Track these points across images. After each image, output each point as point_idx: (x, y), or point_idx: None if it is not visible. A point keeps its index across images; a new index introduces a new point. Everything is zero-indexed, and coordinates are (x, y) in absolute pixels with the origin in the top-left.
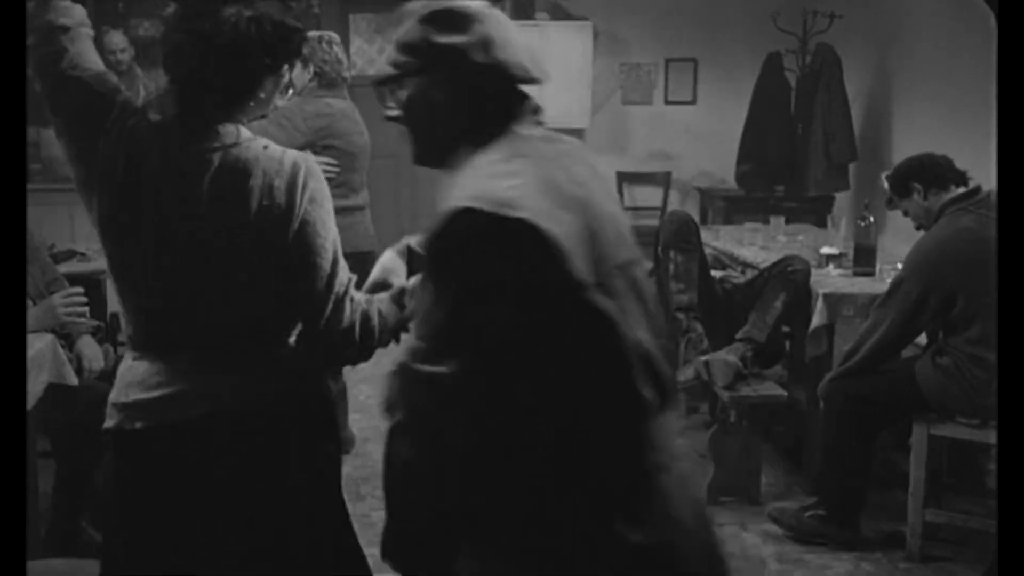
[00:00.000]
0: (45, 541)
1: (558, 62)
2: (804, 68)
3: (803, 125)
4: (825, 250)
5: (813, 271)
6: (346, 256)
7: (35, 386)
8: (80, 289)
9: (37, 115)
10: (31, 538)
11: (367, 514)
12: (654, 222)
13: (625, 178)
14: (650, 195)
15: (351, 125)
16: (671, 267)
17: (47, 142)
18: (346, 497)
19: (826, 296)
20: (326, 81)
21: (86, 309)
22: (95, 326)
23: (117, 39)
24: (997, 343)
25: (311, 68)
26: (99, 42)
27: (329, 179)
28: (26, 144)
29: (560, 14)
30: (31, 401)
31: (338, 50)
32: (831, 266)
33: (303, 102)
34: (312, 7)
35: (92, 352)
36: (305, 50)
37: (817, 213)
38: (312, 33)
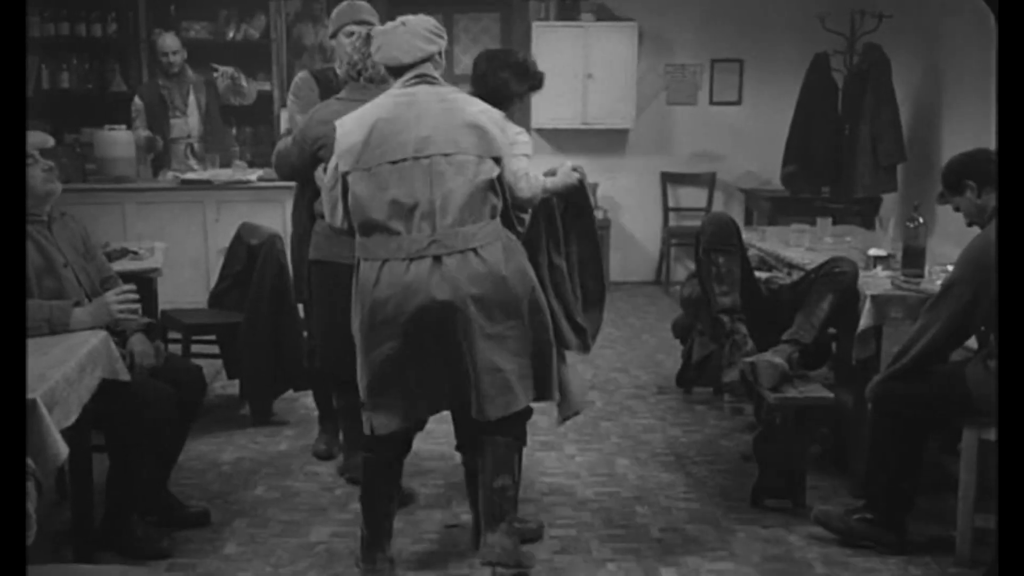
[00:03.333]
0: (99, 535)
1: (603, 63)
2: (851, 68)
3: (850, 126)
4: (873, 252)
5: (861, 273)
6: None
7: (90, 381)
8: (132, 287)
9: (92, 117)
10: (85, 532)
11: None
12: (699, 223)
13: (669, 179)
14: (695, 196)
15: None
16: (713, 269)
17: (101, 143)
18: None
19: (874, 298)
20: (354, 80)
21: (138, 306)
22: (146, 323)
23: (170, 41)
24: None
25: (344, 66)
26: (153, 44)
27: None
28: (26, 145)
29: (605, 15)
30: (86, 396)
31: (364, 48)
32: (879, 268)
33: (315, 111)
34: None
35: (144, 349)
36: (339, 48)
37: (864, 215)
38: (347, 28)
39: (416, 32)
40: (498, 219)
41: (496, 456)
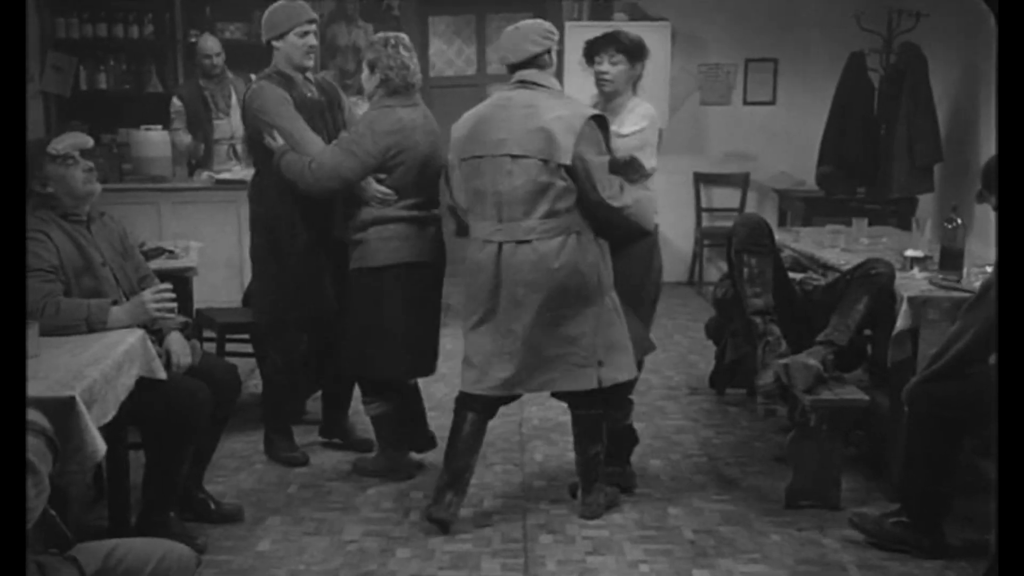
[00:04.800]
0: (135, 531)
1: None
2: (888, 68)
3: (886, 126)
4: (909, 253)
5: (897, 274)
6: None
7: (127, 379)
8: (169, 285)
9: (129, 118)
10: (122, 528)
11: None
12: (732, 224)
13: (702, 179)
14: (728, 196)
15: (422, 136)
16: (745, 271)
17: (137, 143)
18: None
19: (911, 299)
20: (391, 88)
21: (174, 305)
22: (183, 322)
23: (211, 43)
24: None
25: (377, 73)
26: (193, 46)
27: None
28: (26, 145)
29: (638, 15)
30: (123, 393)
31: (405, 54)
32: (916, 269)
33: (373, 122)
34: (392, 9)
35: (180, 348)
36: (371, 54)
37: (900, 215)
38: (378, 36)
39: (526, 35)
40: (565, 216)
41: (584, 428)
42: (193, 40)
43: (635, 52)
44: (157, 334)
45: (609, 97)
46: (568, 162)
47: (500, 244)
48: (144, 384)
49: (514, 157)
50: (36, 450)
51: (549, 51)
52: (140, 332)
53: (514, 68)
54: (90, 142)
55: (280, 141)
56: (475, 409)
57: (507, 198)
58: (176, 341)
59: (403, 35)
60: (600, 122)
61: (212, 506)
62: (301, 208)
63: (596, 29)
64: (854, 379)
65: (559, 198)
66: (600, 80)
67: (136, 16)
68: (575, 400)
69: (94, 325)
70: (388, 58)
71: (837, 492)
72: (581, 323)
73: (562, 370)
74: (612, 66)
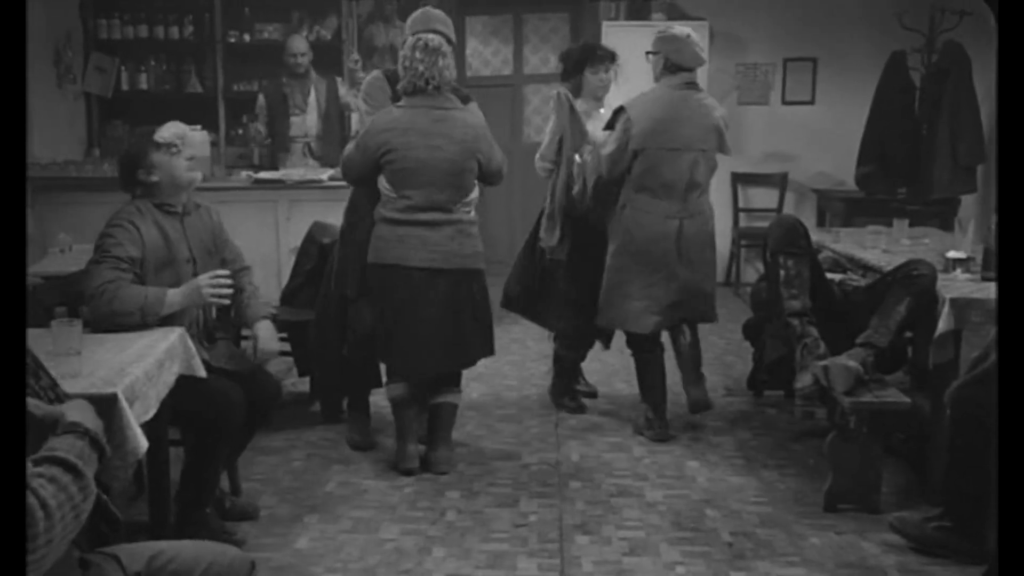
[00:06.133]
0: (174, 528)
1: None
2: (930, 67)
3: (928, 125)
4: (952, 254)
5: (939, 275)
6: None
7: (168, 376)
8: (226, 272)
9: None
10: (163, 524)
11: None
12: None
13: (740, 179)
14: (766, 197)
15: (418, 138)
16: (781, 273)
17: None
18: None
19: (953, 301)
20: (407, 87)
21: (230, 291)
22: (272, 312)
23: (299, 43)
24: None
25: (402, 73)
26: (232, 47)
27: (389, 197)
28: (26, 144)
29: (676, 14)
30: (164, 391)
31: (421, 56)
32: (958, 270)
33: (374, 120)
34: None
35: (268, 334)
36: (400, 54)
37: (942, 216)
38: (409, 35)
39: (698, 44)
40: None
41: (694, 334)
42: (231, 40)
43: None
44: (239, 326)
45: (601, 98)
46: (729, 153)
47: (681, 220)
48: (181, 382)
49: (703, 151)
50: (80, 453)
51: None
52: (180, 330)
53: (682, 70)
54: (194, 133)
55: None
56: (658, 344)
57: (692, 184)
58: (264, 328)
59: (433, 36)
60: None
61: (227, 504)
62: (371, 194)
63: (633, 29)
64: (895, 381)
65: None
66: (602, 86)
67: (176, 17)
68: (695, 316)
69: (148, 314)
70: (405, 59)
71: (877, 495)
72: (709, 269)
73: (707, 298)
74: (609, 75)
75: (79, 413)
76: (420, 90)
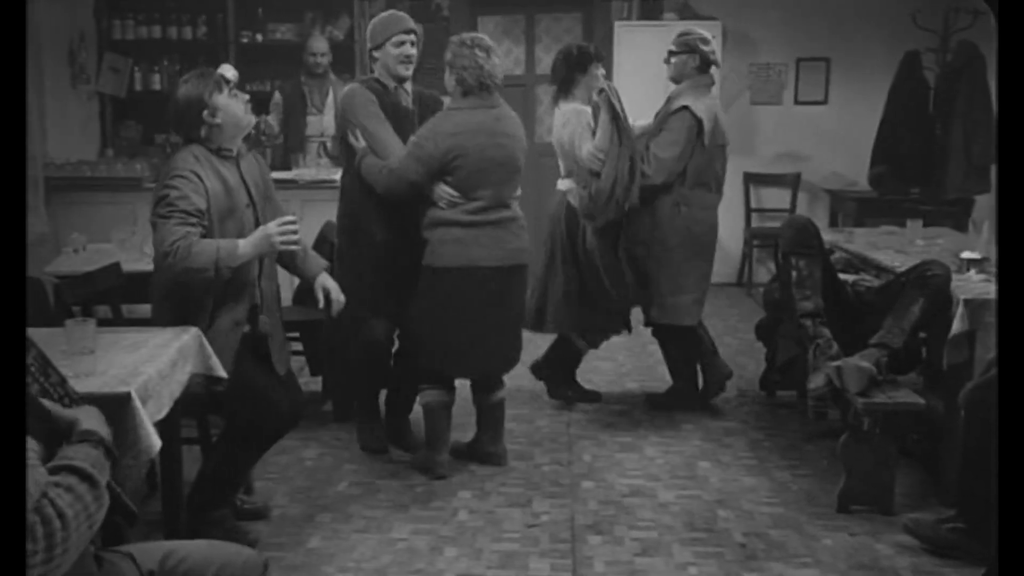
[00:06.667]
0: (187, 526)
1: None
2: (945, 67)
3: (942, 125)
4: (966, 254)
5: (953, 276)
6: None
7: (181, 376)
8: (293, 217)
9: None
10: (176, 523)
11: None
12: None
13: (752, 179)
14: (778, 197)
15: (486, 139)
16: (793, 274)
17: None
18: None
19: (967, 302)
20: (465, 88)
21: (299, 236)
22: (327, 265)
23: (319, 43)
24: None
25: (454, 73)
26: (245, 47)
27: (453, 200)
28: (26, 143)
29: (688, 14)
30: (177, 390)
31: (481, 55)
32: (972, 271)
33: (436, 125)
34: (441, 10)
35: (334, 284)
36: (448, 54)
37: (955, 216)
38: (459, 37)
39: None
40: None
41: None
42: (245, 40)
43: None
44: (304, 281)
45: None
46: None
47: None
48: (235, 382)
49: (722, 147)
50: (96, 461)
51: None
52: (194, 330)
53: (709, 69)
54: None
55: (362, 142)
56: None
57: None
58: (329, 278)
59: (483, 36)
60: None
61: (240, 503)
62: (381, 207)
63: (646, 29)
64: (908, 382)
65: None
66: (596, 85)
67: (190, 18)
68: None
69: (221, 268)
70: (463, 58)
71: (891, 496)
72: None
73: None
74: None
75: (93, 421)
76: (479, 89)
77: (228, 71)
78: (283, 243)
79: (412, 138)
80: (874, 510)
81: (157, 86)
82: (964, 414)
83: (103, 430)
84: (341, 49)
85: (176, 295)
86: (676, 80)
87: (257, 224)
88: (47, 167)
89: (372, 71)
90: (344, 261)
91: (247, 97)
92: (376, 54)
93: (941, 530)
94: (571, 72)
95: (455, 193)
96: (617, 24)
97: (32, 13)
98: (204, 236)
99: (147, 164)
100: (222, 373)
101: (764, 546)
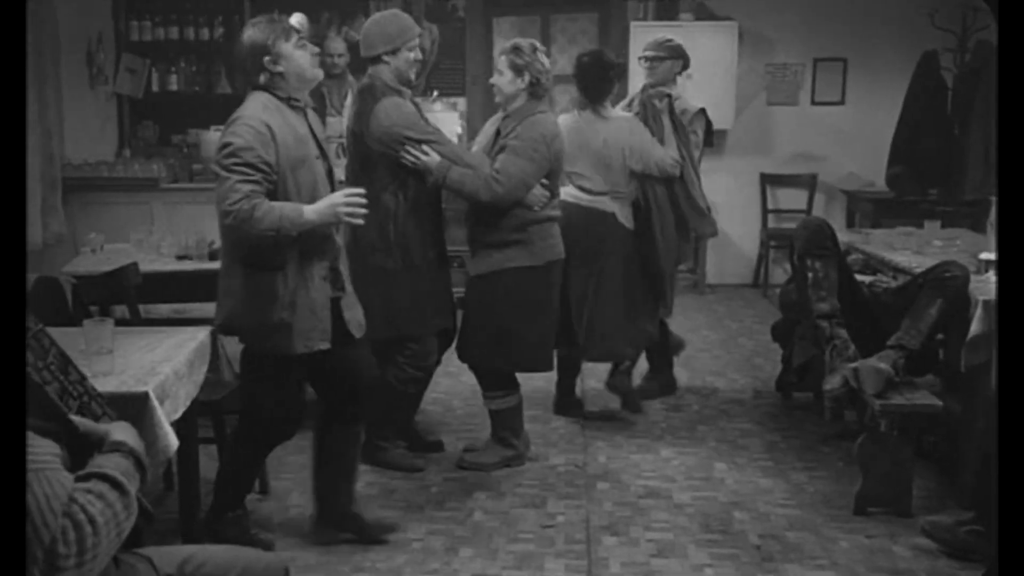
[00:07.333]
0: (204, 525)
1: (702, 63)
2: (963, 67)
3: (960, 126)
4: (984, 255)
5: (972, 277)
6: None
7: (198, 376)
8: (361, 190)
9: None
10: (193, 522)
11: None
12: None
13: (768, 180)
14: (795, 198)
15: (573, 137)
16: (809, 275)
17: (207, 143)
18: None
19: (986, 303)
20: (539, 92)
21: (364, 211)
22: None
23: (337, 44)
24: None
25: (526, 77)
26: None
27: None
28: (26, 142)
29: (705, 14)
30: (194, 390)
31: (546, 60)
32: (991, 272)
33: (538, 128)
34: (457, 10)
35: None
36: (518, 59)
37: (973, 217)
38: (522, 41)
39: None
40: None
41: None
42: None
43: None
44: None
45: None
46: None
47: None
48: (212, 381)
49: None
50: (126, 471)
51: None
52: (209, 329)
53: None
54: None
55: (435, 156)
56: None
57: None
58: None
59: (536, 41)
60: None
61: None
62: (424, 224)
63: (661, 30)
64: (926, 384)
65: None
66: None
67: (206, 19)
68: None
69: (281, 235)
70: (537, 62)
71: (908, 499)
72: None
73: None
74: None
75: (124, 433)
76: (546, 93)
77: (297, 19)
78: (348, 215)
79: (514, 143)
80: (891, 512)
81: (174, 87)
82: (986, 415)
83: (134, 442)
84: (358, 50)
85: (245, 244)
86: (663, 84)
87: (330, 175)
88: (65, 167)
89: (370, 73)
90: (394, 280)
91: (317, 50)
92: (388, 59)
93: (959, 533)
94: (611, 81)
95: (547, 193)
96: (633, 24)
97: (51, 15)
98: (272, 191)
99: (164, 164)
100: (228, 377)
101: (780, 548)
